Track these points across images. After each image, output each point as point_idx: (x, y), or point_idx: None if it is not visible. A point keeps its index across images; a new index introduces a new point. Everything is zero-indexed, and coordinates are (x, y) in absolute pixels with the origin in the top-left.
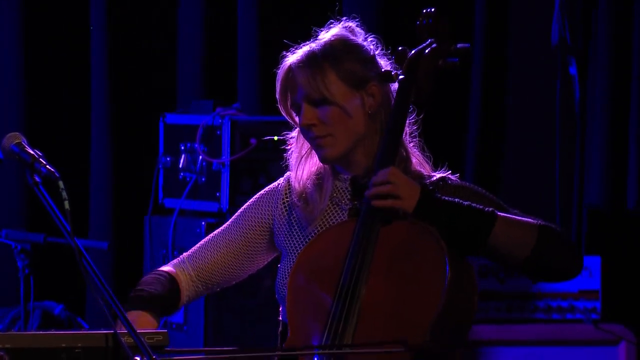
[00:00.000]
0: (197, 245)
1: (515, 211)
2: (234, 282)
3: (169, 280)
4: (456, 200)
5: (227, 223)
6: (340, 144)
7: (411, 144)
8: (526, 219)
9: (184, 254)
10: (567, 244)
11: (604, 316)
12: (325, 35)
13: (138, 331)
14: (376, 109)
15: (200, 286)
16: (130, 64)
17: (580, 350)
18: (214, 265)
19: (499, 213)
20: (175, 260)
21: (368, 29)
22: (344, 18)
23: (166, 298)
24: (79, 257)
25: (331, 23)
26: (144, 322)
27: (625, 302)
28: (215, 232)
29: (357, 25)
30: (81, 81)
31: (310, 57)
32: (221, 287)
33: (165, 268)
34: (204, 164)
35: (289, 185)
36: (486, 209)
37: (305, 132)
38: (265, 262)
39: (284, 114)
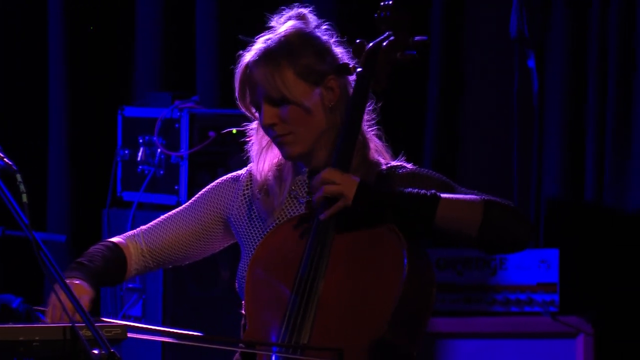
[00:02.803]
0: (155, 220)
1: (463, 189)
2: (187, 262)
3: (115, 253)
4: (398, 188)
5: (186, 204)
6: (303, 141)
7: (370, 132)
8: (470, 197)
9: (142, 227)
10: (514, 215)
11: (562, 309)
12: (280, 29)
13: (96, 325)
14: (335, 102)
15: (150, 262)
16: (88, 56)
17: (539, 342)
18: (166, 244)
19: (442, 195)
20: (130, 233)
21: (327, 21)
22: (296, 4)
23: (105, 273)
24: (37, 250)
25: (282, 9)
26: (81, 290)
27: (584, 294)
28: (174, 210)
29: (309, 12)
30: (38, 74)
31: (267, 55)
32: (173, 265)
33: (116, 239)
34: (162, 157)
35: (251, 176)
36: (428, 192)
37: (267, 130)
38: (221, 248)
39: (243, 110)
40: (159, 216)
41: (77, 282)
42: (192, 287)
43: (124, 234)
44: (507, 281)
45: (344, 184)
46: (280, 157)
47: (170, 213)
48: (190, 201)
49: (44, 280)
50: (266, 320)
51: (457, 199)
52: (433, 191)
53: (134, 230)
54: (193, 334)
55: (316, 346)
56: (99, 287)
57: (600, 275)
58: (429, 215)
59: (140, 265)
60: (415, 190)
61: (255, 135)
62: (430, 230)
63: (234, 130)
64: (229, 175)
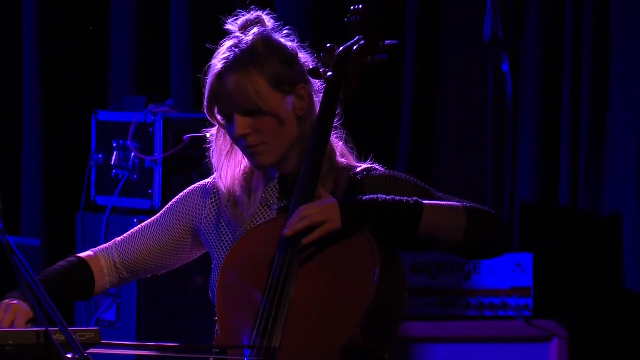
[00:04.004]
0: (129, 232)
1: (440, 194)
2: (161, 272)
3: (78, 268)
4: (379, 197)
5: (158, 215)
6: (276, 151)
7: (334, 136)
8: (452, 203)
9: (117, 239)
10: (496, 221)
11: (536, 313)
12: (246, 38)
13: (70, 329)
14: (306, 110)
15: (125, 273)
16: (61, 59)
17: (513, 346)
18: (138, 256)
19: (425, 202)
20: (104, 245)
21: (298, 25)
22: (252, 7)
23: (58, 290)
24: (11, 254)
25: (238, 13)
26: (18, 310)
27: (558, 298)
28: (147, 222)
29: (267, 14)
30: (12, 77)
31: (237, 66)
32: (148, 275)
33: (85, 254)
34: (136, 161)
35: (217, 185)
36: (411, 200)
37: (238, 141)
38: (194, 257)
39: (211, 120)
40: (132, 220)
41: (14, 302)
42: (166, 292)
43: (97, 248)
44: (481, 285)
45: (324, 212)
46: (245, 165)
47: (142, 225)
48: (160, 212)
49: (17, 284)
50: (238, 325)
51: (440, 206)
52: (415, 198)
53: (108, 243)
54: (167, 345)
55: (249, 345)
56: (74, 300)
57: (574, 279)
58: (413, 223)
59: (114, 277)
60: (398, 198)
61: (215, 142)
62: (414, 237)
63: (208, 135)
64: (196, 185)
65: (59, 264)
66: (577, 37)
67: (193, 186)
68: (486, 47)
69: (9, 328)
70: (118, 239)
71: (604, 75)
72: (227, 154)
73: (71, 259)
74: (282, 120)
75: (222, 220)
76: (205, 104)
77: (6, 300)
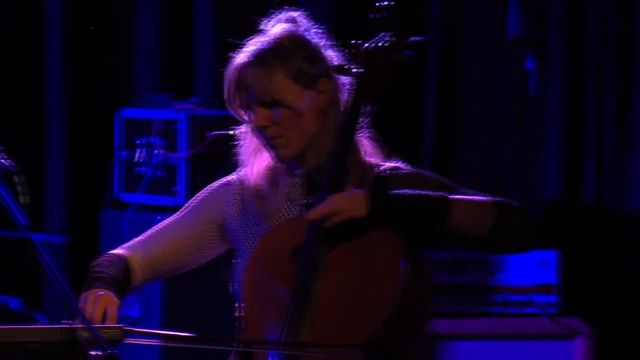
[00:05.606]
0: (148, 232)
1: (465, 190)
2: (182, 272)
3: (124, 265)
4: (406, 192)
5: (179, 213)
6: (295, 144)
7: (360, 135)
8: (480, 198)
9: (135, 239)
10: (524, 217)
11: (561, 310)
12: (272, 32)
13: (93, 325)
14: (327, 105)
15: (147, 274)
16: (86, 57)
17: (538, 344)
18: (162, 255)
19: (452, 197)
20: (125, 245)
21: (324, 22)
22: (285, 7)
23: (122, 282)
24: (35, 251)
25: (272, 13)
26: (108, 300)
27: (583, 296)
28: (167, 220)
29: (300, 15)
30: (37, 74)
31: (259, 57)
32: (168, 276)
33: (119, 251)
34: (160, 158)
35: (242, 181)
36: (438, 195)
37: (259, 133)
38: (216, 254)
39: (232, 112)
40: (156, 217)
41: (102, 292)
42: (191, 287)
43: (122, 247)
44: (505, 282)
45: (351, 200)
46: (270, 161)
47: (161, 224)
48: (182, 211)
49: (42, 281)
50: (264, 321)
51: (468, 200)
52: (442, 193)
53: (129, 243)
54: (189, 336)
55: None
56: (122, 295)
57: (599, 277)
58: (441, 218)
59: (139, 277)
60: (424, 192)
61: (245, 139)
62: (440, 232)
63: (232, 132)
64: (220, 182)
65: (110, 258)
66: (602, 35)
67: (215, 183)
68: (510, 44)
69: (32, 325)
70: (136, 239)
71: (628, 73)
72: (255, 151)
73: (115, 257)
74: (300, 113)
75: (247, 215)
76: (225, 95)
77: (93, 291)
